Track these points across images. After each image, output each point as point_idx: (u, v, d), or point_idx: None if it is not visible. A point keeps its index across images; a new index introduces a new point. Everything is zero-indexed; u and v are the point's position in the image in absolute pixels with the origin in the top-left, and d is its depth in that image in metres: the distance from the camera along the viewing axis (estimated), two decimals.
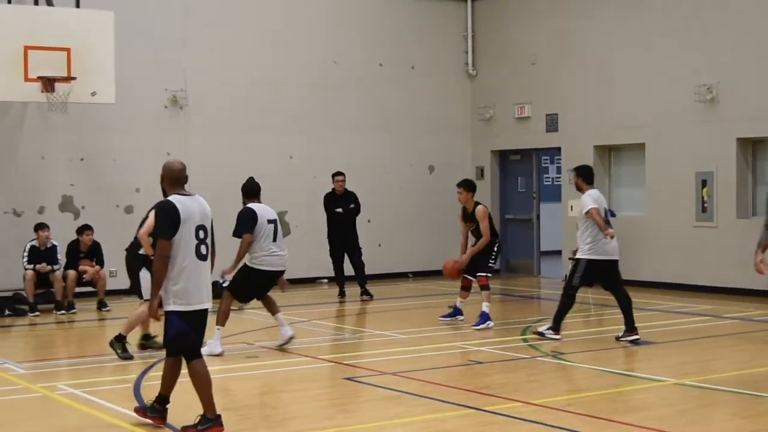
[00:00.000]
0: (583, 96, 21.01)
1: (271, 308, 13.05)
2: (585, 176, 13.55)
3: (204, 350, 10.07)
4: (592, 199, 13.13)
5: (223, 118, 20.52)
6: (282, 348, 12.87)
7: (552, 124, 21.80)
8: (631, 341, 12.92)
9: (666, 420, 8.86)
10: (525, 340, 13.46)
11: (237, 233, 12.69)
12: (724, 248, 18.24)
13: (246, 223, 12.62)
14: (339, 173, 19.03)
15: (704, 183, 18.70)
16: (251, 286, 12.84)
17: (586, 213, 13.03)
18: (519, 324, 15.11)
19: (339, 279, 19.11)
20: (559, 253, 21.91)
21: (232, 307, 12.94)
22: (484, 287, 14.77)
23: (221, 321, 12.57)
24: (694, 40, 18.82)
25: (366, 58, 22.18)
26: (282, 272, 13.05)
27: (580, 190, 13.48)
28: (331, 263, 19.18)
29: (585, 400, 9.82)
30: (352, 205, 18.91)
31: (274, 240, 12.86)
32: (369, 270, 19.28)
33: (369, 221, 20.55)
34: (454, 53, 23.46)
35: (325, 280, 20.87)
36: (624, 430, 8.50)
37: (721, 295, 17.83)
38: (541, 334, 13.44)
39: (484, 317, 14.54)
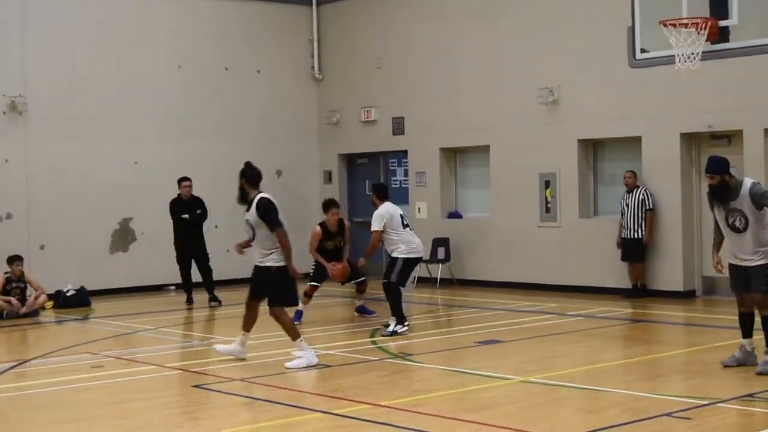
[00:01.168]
0: (428, 99, 21.24)
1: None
2: (378, 193, 14.96)
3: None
4: (380, 217, 14.50)
5: (65, 123, 20.03)
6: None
7: (398, 127, 21.97)
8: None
9: (512, 417, 9.00)
10: (374, 342, 13.52)
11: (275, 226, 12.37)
12: (567, 247, 18.68)
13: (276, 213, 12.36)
14: (185, 179, 18.79)
15: (547, 184, 19.11)
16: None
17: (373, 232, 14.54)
18: (368, 326, 15.15)
19: (186, 286, 18.87)
20: None
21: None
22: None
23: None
24: (537, 43, 19.21)
25: (211, 62, 21.96)
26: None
27: (375, 204, 14.81)
28: (179, 270, 18.91)
29: (433, 400, 9.88)
30: (198, 211, 18.69)
31: None
32: (217, 276, 19.08)
33: (216, 227, 20.34)
34: (300, 57, 23.44)
35: (173, 288, 20.57)
36: (472, 429, 8.59)
37: (566, 294, 18.23)
38: (393, 333, 13.65)
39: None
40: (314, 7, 23.46)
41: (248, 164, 12.72)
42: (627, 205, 17.67)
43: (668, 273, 17.57)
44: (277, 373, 11.46)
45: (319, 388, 10.63)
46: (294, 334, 11.96)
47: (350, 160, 23.51)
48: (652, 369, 11.54)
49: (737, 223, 10.56)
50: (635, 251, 17.57)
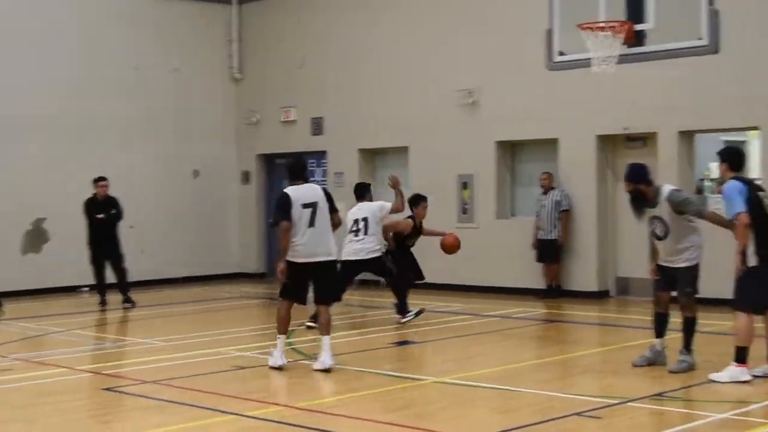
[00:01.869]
0: (348, 100, 21.24)
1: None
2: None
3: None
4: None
5: None
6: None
7: (317, 127, 21.93)
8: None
9: (426, 417, 9.04)
10: (289, 344, 13.45)
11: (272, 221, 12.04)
12: (484, 248, 18.79)
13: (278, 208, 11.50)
14: (101, 178, 18.51)
15: (465, 185, 19.22)
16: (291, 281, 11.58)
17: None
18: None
19: (100, 287, 18.62)
20: None
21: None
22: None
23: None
24: (457, 45, 19.31)
25: (126, 61, 21.69)
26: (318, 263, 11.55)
27: None
28: (92, 271, 18.65)
29: (350, 401, 9.88)
30: (113, 211, 18.44)
31: (311, 225, 11.38)
32: (132, 277, 18.86)
33: (132, 227, 20.05)
34: (219, 56, 23.29)
35: (86, 289, 20.27)
36: (387, 430, 8.59)
37: (482, 294, 18.34)
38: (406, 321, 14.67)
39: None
40: (234, 6, 23.33)
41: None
42: (543, 206, 17.85)
43: (583, 274, 17.78)
44: (192, 375, 11.35)
45: (234, 390, 10.51)
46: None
47: (269, 161, 23.41)
48: (565, 369, 11.67)
49: (657, 231, 10.68)
50: (550, 252, 17.75)
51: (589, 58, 16.05)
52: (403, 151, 20.44)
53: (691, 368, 10.66)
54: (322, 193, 11.60)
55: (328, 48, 21.65)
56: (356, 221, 14.83)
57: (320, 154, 22.40)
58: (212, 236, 22.92)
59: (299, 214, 11.27)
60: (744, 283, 9.98)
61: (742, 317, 9.98)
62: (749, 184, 10.13)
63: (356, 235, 14.83)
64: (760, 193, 10.14)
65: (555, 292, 17.82)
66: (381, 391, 10.29)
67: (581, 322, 15.31)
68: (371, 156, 21.39)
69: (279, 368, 11.38)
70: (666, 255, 10.81)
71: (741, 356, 9.92)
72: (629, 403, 9.33)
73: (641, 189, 10.71)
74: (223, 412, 9.43)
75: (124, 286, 18.39)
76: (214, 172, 23.03)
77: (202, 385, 10.74)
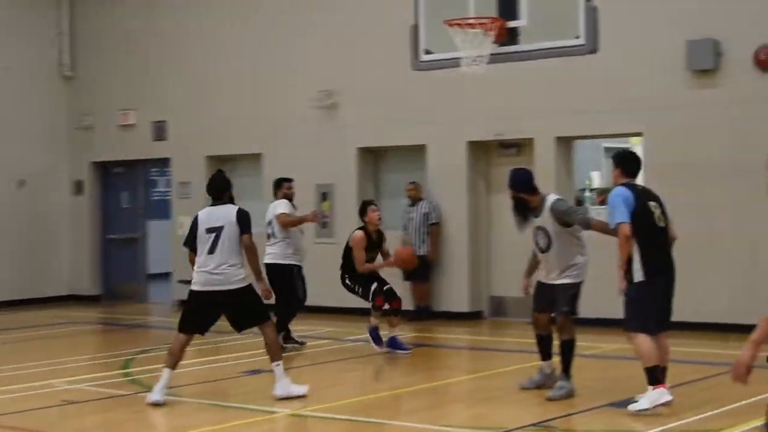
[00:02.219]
0: (194, 102, 21.03)
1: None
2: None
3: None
4: None
5: None
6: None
7: (160, 132, 21.66)
8: None
9: None
10: (127, 374, 13.22)
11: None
12: None
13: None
14: None
15: (324, 196, 19.19)
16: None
17: None
18: (121, 356, 14.85)
19: None
20: (168, 275, 21.77)
21: None
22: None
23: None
24: (315, 42, 19.31)
25: None
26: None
27: None
28: None
29: None
30: None
31: (211, 252, 11.12)
32: None
33: None
34: (48, 52, 22.83)
35: None
36: None
37: (342, 317, 18.25)
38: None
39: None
40: None
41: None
42: (410, 219, 17.93)
43: (454, 293, 17.91)
44: (16, 411, 11.04)
45: (63, 427, 10.33)
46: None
47: (105, 169, 23.04)
48: (433, 397, 11.69)
49: (540, 243, 10.76)
50: (419, 270, 17.72)
51: (458, 58, 16.16)
52: (256, 158, 20.32)
53: (570, 395, 10.73)
54: (233, 216, 11.17)
55: (173, 46, 21.44)
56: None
57: (163, 162, 22.14)
58: (40, 254, 22.42)
59: (203, 239, 11.11)
60: (632, 301, 10.06)
61: (638, 338, 10.03)
62: (638, 191, 10.13)
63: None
64: (651, 203, 10.11)
65: (424, 313, 17.90)
66: (227, 426, 10.15)
67: (452, 346, 15.43)
68: (220, 164, 21.17)
69: (157, 404, 10.90)
70: (547, 272, 10.90)
71: (653, 377, 9.93)
72: None
73: (524, 197, 10.77)
74: None
75: None
76: (42, 181, 22.58)
77: (26, 424, 10.45)
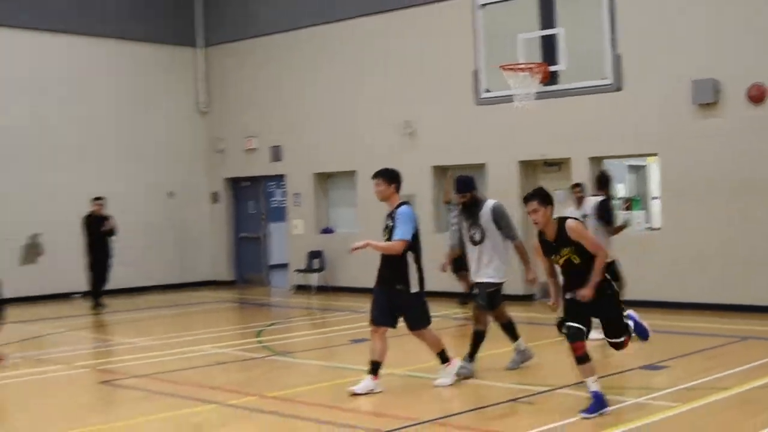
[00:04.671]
0: (304, 130, 21.20)
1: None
2: None
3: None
4: None
5: None
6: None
7: (276, 154, 21.86)
8: None
9: (379, 404, 9.00)
10: (260, 342, 13.39)
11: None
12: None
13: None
14: (98, 198, 18.60)
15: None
16: None
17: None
18: (255, 327, 15.03)
19: (94, 293, 18.45)
20: (285, 266, 22.00)
21: None
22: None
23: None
24: (397, 83, 19.37)
25: (111, 97, 21.60)
26: None
27: None
28: (88, 278, 18.51)
29: (313, 391, 9.82)
30: (108, 227, 18.43)
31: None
32: (116, 285, 18.88)
33: (119, 241, 19.82)
34: (188, 93, 23.13)
35: (78, 295, 20.01)
36: (348, 417, 8.57)
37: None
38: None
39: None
40: (200, 48, 23.22)
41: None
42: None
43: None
44: (177, 370, 11.26)
45: (214, 382, 10.44)
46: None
47: (235, 183, 23.29)
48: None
49: (476, 236, 10.06)
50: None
51: (511, 95, 16.13)
52: (351, 174, 20.43)
53: (468, 376, 9.97)
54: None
55: (286, 85, 21.61)
56: None
57: (279, 177, 22.35)
58: (187, 249, 22.73)
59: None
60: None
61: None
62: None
63: None
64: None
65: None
66: (342, 382, 9.98)
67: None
68: (324, 179, 21.37)
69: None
70: (475, 268, 10.14)
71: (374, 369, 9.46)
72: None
73: (476, 195, 10.11)
74: (205, 401, 9.38)
75: (101, 292, 18.36)
76: (187, 193, 22.86)
77: (186, 379, 10.67)
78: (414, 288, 9.44)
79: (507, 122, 17.57)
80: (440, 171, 19.06)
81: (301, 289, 20.56)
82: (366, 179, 19.87)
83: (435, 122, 18.85)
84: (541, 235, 8.52)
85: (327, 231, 21.13)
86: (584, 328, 8.28)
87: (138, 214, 21.61)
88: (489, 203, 10.10)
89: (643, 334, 8.79)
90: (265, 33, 22.02)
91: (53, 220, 19.90)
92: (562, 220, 8.38)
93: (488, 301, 10.10)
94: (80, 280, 18.87)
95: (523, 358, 10.61)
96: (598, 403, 8.15)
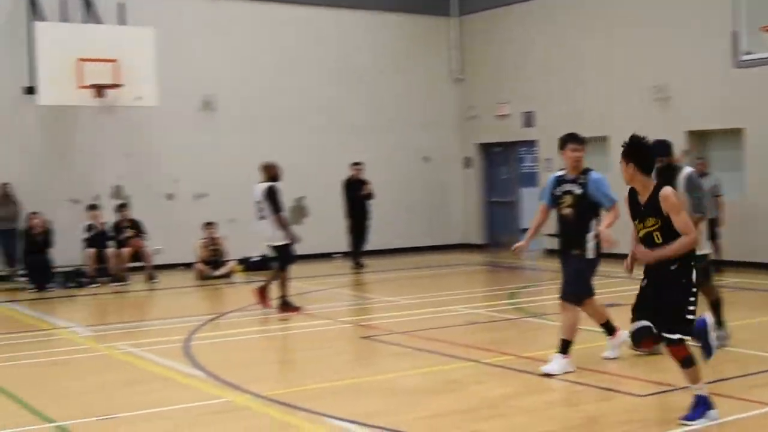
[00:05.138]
0: (556, 96, 21.05)
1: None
2: None
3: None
4: None
5: (248, 118, 20.56)
6: None
7: (528, 120, 21.85)
8: None
9: (627, 366, 8.93)
10: (512, 303, 13.53)
11: None
12: None
13: None
14: (357, 163, 19.36)
15: None
16: None
17: None
18: (506, 289, 15.20)
19: (354, 253, 19.22)
20: None
21: None
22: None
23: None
24: (648, 47, 18.89)
25: (370, 67, 22.27)
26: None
27: None
28: (349, 240, 19.33)
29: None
30: (366, 191, 19.14)
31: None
32: (374, 246, 19.61)
33: (376, 205, 20.51)
34: (443, 61, 23.47)
35: (339, 255, 20.87)
36: (597, 378, 8.54)
37: None
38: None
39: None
40: (454, 18, 23.50)
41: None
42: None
43: (751, 242, 17.06)
44: (433, 328, 11.59)
45: (470, 341, 10.66)
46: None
47: (487, 149, 23.48)
48: None
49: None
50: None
51: None
52: (602, 140, 20.12)
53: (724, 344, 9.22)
54: None
55: (539, 52, 21.51)
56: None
57: (530, 143, 22.33)
58: (440, 212, 23.18)
59: None
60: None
61: None
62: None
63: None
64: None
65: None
66: (594, 345, 9.93)
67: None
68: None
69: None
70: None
71: None
72: None
73: (672, 161, 9.44)
74: (461, 358, 9.62)
75: (361, 252, 19.08)
76: (441, 157, 23.28)
77: (442, 336, 10.96)
78: (590, 254, 8.99)
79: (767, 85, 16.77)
80: (695, 136, 18.47)
81: (552, 252, 20.48)
82: (618, 146, 19.59)
83: (689, 86, 18.24)
84: (633, 193, 7.21)
85: None
86: (647, 324, 6.96)
87: (394, 178, 22.20)
88: (686, 170, 9.42)
89: (707, 349, 7.10)
90: (516, 0, 22.01)
91: (317, 183, 20.86)
92: (658, 186, 7.10)
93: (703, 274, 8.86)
94: (341, 241, 19.70)
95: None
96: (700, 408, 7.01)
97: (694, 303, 6.92)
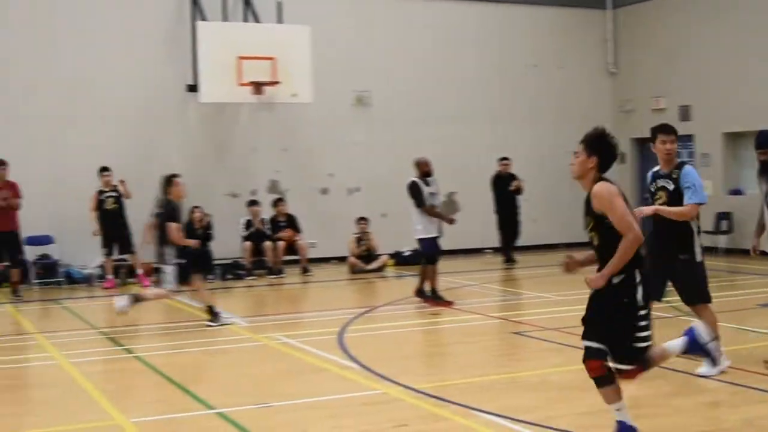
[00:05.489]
0: (713, 90, 20.52)
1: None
2: None
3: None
4: None
5: (401, 112, 20.80)
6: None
7: (685, 114, 21.35)
8: None
9: None
10: (668, 301, 13.23)
11: None
12: None
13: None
14: (505, 158, 19.32)
15: None
16: None
17: None
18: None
19: (505, 249, 19.22)
20: None
21: None
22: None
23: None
24: None
25: (520, 60, 22.18)
26: None
27: None
28: (499, 235, 19.34)
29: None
30: (515, 186, 19.12)
31: None
32: (525, 241, 19.52)
33: (525, 200, 20.43)
34: (597, 55, 23.18)
35: (490, 251, 20.88)
36: (745, 377, 8.34)
37: None
38: None
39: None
40: (609, 10, 23.18)
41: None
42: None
43: None
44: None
45: None
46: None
47: (641, 144, 23.05)
48: None
49: None
50: None
51: None
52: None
53: None
54: None
55: (695, 47, 21.00)
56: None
57: (687, 138, 21.79)
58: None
59: None
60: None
61: None
62: None
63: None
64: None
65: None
66: (751, 346, 9.86)
67: None
68: (734, 138, 20.57)
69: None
70: None
71: None
72: None
73: None
74: None
75: (512, 247, 19.04)
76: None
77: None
78: (699, 257, 8.57)
79: None
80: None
81: (708, 251, 19.94)
82: None
83: None
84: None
85: (736, 192, 20.37)
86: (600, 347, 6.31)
87: (546, 173, 22.08)
88: None
89: (712, 360, 7.00)
90: None
91: (469, 178, 20.90)
92: (596, 182, 6.42)
93: None
94: (492, 236, 19.71)
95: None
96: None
97: (644, 328, 6.24)
